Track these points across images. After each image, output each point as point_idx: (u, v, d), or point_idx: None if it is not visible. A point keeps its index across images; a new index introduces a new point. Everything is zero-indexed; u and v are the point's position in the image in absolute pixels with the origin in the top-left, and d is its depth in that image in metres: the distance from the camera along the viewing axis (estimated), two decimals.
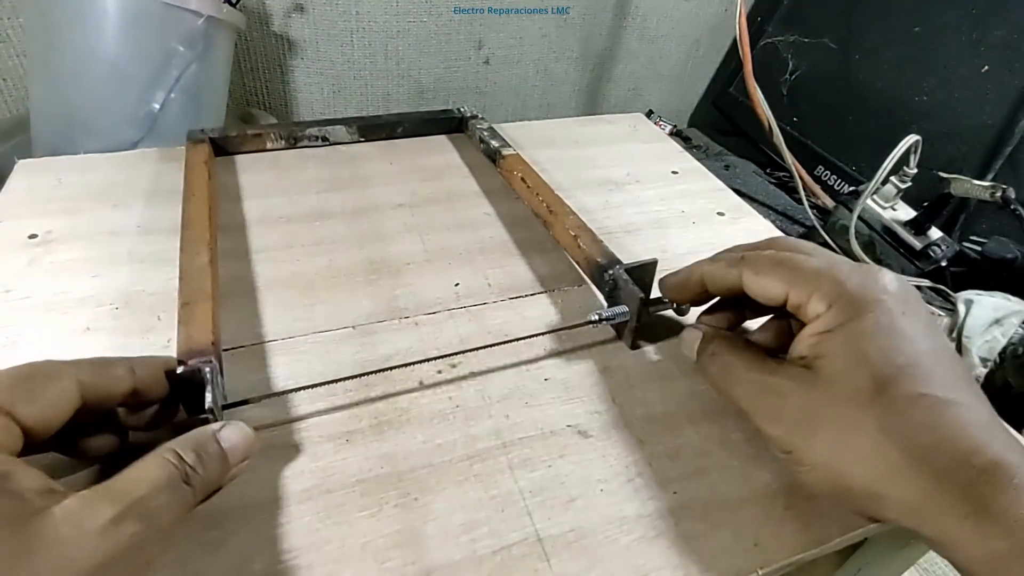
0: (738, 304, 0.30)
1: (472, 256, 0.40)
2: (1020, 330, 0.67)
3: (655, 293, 0.33)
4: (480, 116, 0.54)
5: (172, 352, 0.27)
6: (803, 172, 0.90)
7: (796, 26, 1.06)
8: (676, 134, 1.18)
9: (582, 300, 0.37)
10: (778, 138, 0.82)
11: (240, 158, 0.49)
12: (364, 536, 0.24)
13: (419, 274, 0.38)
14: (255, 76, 0.95)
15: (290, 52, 0.94)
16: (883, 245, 0.78)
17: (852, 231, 0.77)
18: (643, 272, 0.33)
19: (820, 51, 1.01)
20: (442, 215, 0.44)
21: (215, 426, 0.24)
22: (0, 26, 0.77)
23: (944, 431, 0.21)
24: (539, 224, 0.42)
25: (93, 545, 0.18)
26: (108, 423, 0.25)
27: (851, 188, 0.91)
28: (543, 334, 0.34)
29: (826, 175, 0.97)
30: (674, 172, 0.52)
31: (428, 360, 0.31)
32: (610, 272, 0.34)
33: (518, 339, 0.33)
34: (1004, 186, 0.69)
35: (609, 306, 0.33)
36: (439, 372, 0.31)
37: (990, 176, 0.79)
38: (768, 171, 1.08)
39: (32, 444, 0.21)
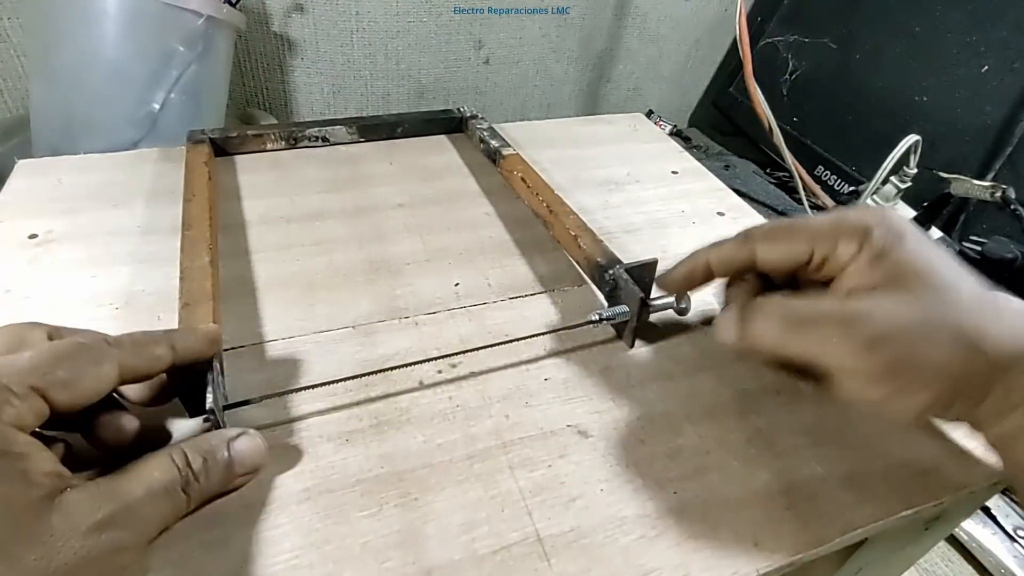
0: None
1: (472, 256, 0.40)
2: None
3: (656, 293, 0.33)
4: (480, 116, 0.54)
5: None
6: (803, 172, 0.90)
7: (796, 26, 1.06)
8: (676, 134, 1.18)
9: (582, 300, 0.37)
10: (778, 138, 0.82)
11: (240, 158, 0.49)
12: (364, 536, 0.24)
13: (419, 274, 0.38)
14: (255, 76, 0.95)
15: (290, 52, 0.94)
16: None
17: None
18: (643, 272, 0.33)
19: (820, 51, 1.01)
20: (442, 215, 0.44)
21: (231, 432, 0.24)
22: (0, 26, 0.77)
23: (1008, 321, 0.23)
24: (539, 224, 0.42)
25: (76, 545, 0.18)
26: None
27: (851, 188, 0.91)
28: (543, 334, 0.34)
29: (826, 175, 0.97)
30: (674, 172, 0.52)
31: (428, 360, 0.31)
32: (610, 272, 0.34)
33: (518, 339, 0.33)
34: (1004, 186, 0.69)
35: (609, 306, 0.33)
36: (439, 372, 0.31)
37: (990, 176, 0.79)
38: (768, 171, 1.08)
39: (55, 419, 0.21)
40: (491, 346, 0.32)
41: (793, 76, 1.05)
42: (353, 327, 0.34)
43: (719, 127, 1.23)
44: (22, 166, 0.46)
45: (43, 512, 0.18)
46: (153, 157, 0.48)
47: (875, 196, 0.78)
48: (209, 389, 0.25)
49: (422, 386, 0.31)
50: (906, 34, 0.91)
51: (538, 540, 0.24)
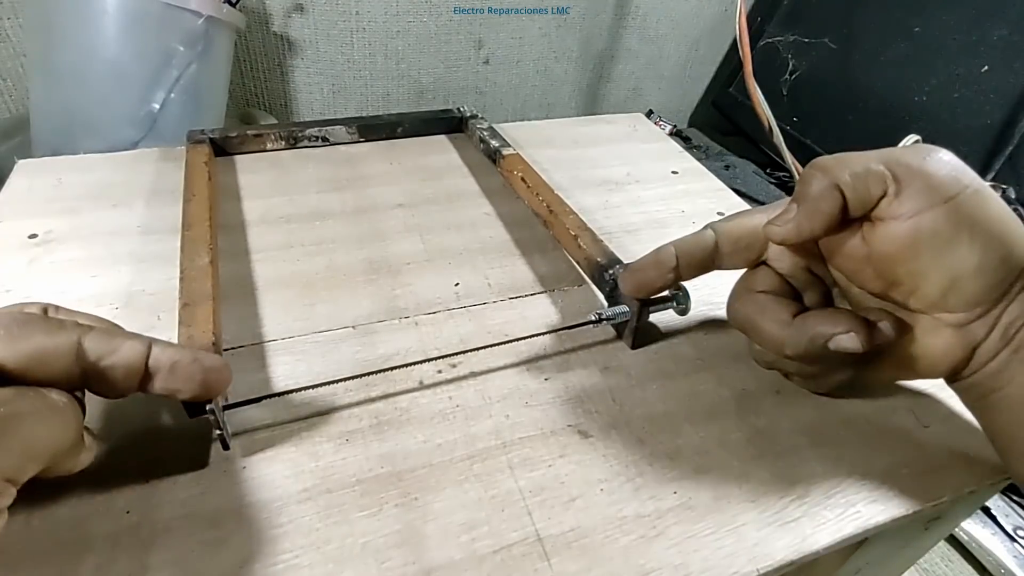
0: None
1: (472, 256, 0.40)
2: None
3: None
4: (480, 116, 0.54)
5: None
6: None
7: (796, 26, 1.06)
8: (676, 134, 1.18)
9: (582, 300, 0.37)
10: (778, 138, 0.81)
11: (240, 158, 0.49)
12: (364, 536, 0.24)
13: (419, 274, 0.38)
14: (255, 76, 0.95)
15: (290, 52, 0.94)
16: None
17: None
18: None
19: (820, 51, 1.01)
20: (442, 215, 0.44)
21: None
22: (0, 26, 0.77)
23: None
24: (539, 224, 0.42)
25: None
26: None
27: None
28: (543, 334, 0.34)
29: None
30: (674, 172, 0.52)
31: (428, 360, 0.32)
32: (610, 272, 0.34)
33: (518, 339, 0.33)
34: (1004, 186, 0.69)
35: (609, 306, 0.33)
36: (439, 372, 0.31)
37: (990, 176, 0.79)
38: (768, 171, 1.08)
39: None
40: (491, 346, 0.32)
41: (793, 76, 1.05)
42: (353, 327, 0.34)
43: (719, 127, 1.23)
44: (22, 166, 0.46)
45: None
46: (153, 157, 0.48)
47: None
48: None
49: (422, 386, 0.31)
50: (906, 34, 0.91)
51: (538, 540, 0.24)
